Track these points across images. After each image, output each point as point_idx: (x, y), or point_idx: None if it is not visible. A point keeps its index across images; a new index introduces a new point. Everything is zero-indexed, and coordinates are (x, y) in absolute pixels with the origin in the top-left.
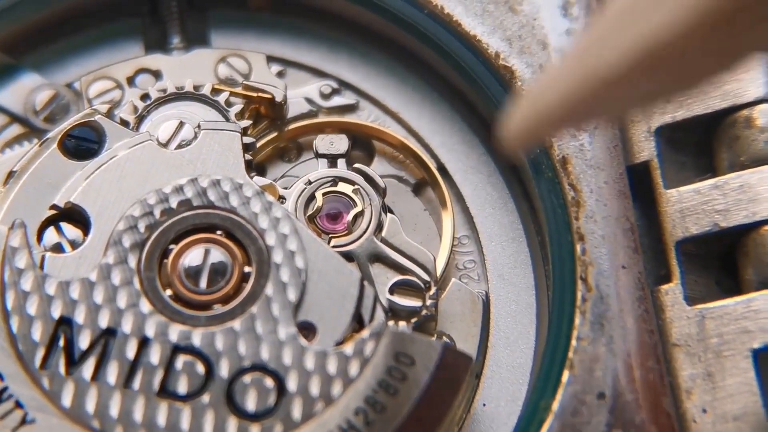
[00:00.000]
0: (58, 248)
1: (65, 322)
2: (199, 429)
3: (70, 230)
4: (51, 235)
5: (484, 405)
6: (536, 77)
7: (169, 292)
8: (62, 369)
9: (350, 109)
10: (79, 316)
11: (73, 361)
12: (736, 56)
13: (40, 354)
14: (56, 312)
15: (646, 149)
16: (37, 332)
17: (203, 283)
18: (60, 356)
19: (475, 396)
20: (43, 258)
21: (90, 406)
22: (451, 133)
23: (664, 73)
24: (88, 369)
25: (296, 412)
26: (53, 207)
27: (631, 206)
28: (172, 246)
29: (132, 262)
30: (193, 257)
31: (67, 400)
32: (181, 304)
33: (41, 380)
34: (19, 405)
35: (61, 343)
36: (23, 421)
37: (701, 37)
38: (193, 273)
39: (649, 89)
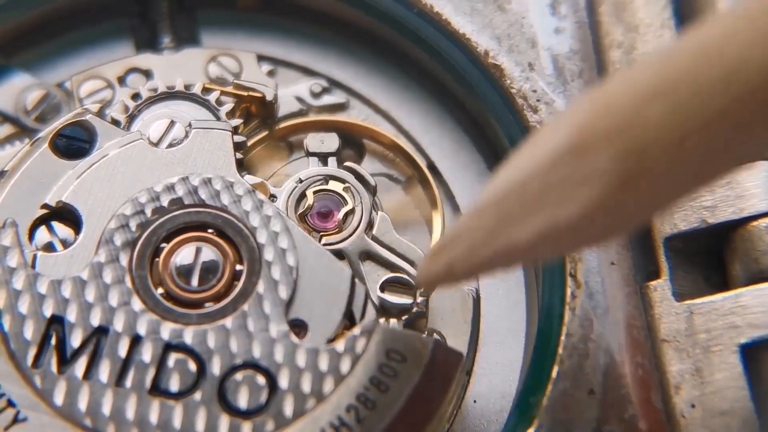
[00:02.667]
0: (49, 247)
1: (57, 321)
2: (191, 426)
3: (62, 229)
4: (42, 234)
5: (475, 401)
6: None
7: (160, 290)
8: (54, 367)
9: (340, 107)
10: (71, 315)
11: (65, 360)
12: (625, 229)
13: (32, 352)
14: (48, 310)
15: None
16: (29, 331)
17: (195, 282)
18: (52, 355)
19: (465, 392)
20: (34, 257)
21: (82, 404)
22: (441, 131)
23: (562, 244)
24: (80, 367)
25: (288, 409)
26: (44, 206)
27: None
28: (163, 244)
29: (123, 260)
30: (184, 256)
31: (59, 398)
32: (173, 303)
33: (33, 379)
34: (11, 404)
35: (53, 341)
36: (15, 420)
37: (591, 223)
38: (185, 271)
39: (551, 252)
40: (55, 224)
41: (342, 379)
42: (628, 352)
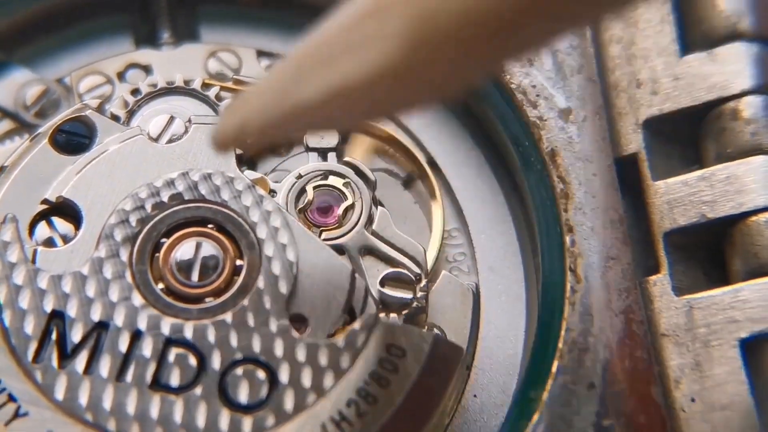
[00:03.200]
0: (49, 243)
1: (57, 316)
2: (191, 421)
3: (62, 225)
4: (42, 230)
5: (475, 396)
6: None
7: (161, 285)
8: (55, 362)
9: None
10: (72, 310)
11: (66, 355)
12: (419, 100)
13: (32, 347)
14: (48, 306)
15: (633, 142)
16: (30, 326)
17: (195, 277)
18: (53, 350)
19: (465, 387)
20: (35, 252)
21: (83, 399)
22: (441, 126)
23: (352, 107)
24: (80, 362)
25: (288, 403)
26: (44, 201)
27: (619, 198)
28: (163, 239)
29: (124, 255)
30: (184, 251)
31: (60, 393)
32: (173, 298)
33: (34, 374)
34: (11, 398)
35: (54, 336)
36: (16, 415)
37: (381, 87)
38: (185, 266)
39: (342, 116)
40: (55, 219)
41: (342, 374)
42: (628, 346)
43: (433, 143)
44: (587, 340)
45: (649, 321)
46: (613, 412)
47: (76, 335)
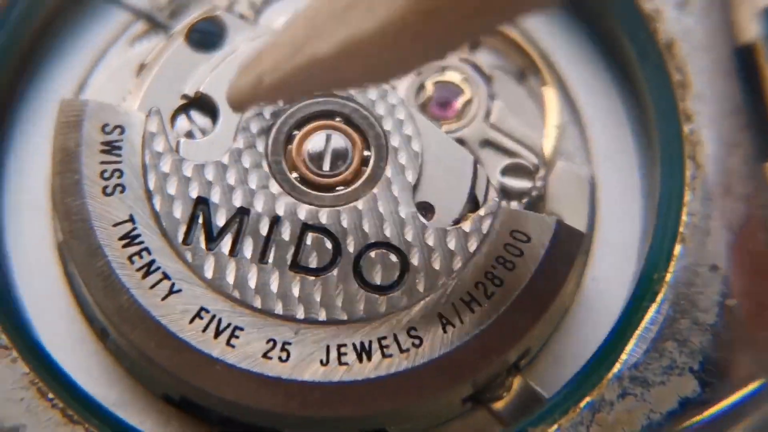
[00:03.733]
0: (189, 135)
1: (202, 202)
2: (330, 300)
3: (200, 118)
4: (182, 123)
5: (594, 280)
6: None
7: (295, 174)
8: (203, 244)
9: None
10: (215, 196)
11: (212, 238)
12: (428, 54)
13: (182, 230)
14: (194, 192)
15: (752, 30)
16: (178, 211)
17: (326, 166)
18: (200, 233)
19: (584, 273)
20: (177, 143)
21: (230, 278)
22: (554, 21)
23: (364, 61)
24: (225, 245)
25: (420, 285)
26: (184, 96)
27: (737, 86)
28: (295, 132)
29: (260, 146)
30: (315, 142)
31: (209, 272)
32: (307, 186)
33: (184, 254)
34: (166, 276)
35: (200, 220)
36: (170, 291)
37: (391, 38)
38: (317, 157)
39: (355, 71)
40: (193, 113)
41: (470, 258)
42: (751, 229)
43: (546, 38)
44: (708, 223)
45: None
46: (737, 292)
47: (220, 220)
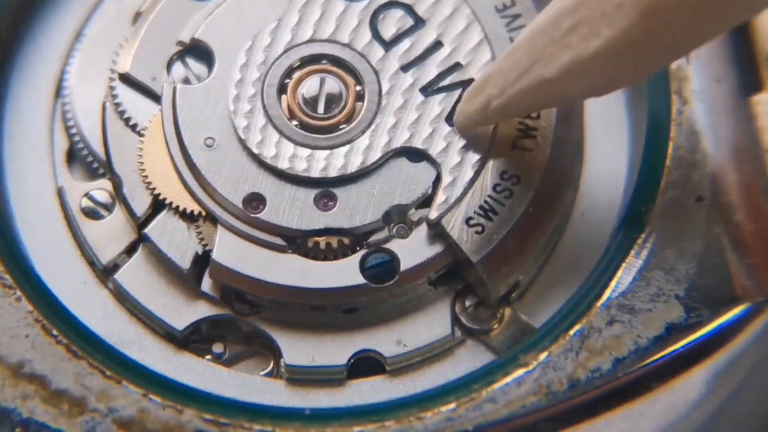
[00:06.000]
0: (186, 81)
1: None
2: None
3: (195, 65)
4: (179, 70)
5: (582, 215)
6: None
7: (294, 122)
8: None
9: None
10: None
11: None
12: (649, 67)
13: None
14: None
15: None
16: None
17: (321, 109)
18: None
19: (573, 206)
20: (174, 89)
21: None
22: None
23: (589, 79)
24: None
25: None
26: (179, 43)
27: None
28: (287, 81)
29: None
30: (309, 87)
31: None
32: (309, 131)
33: None
34: None
35: None
36: None
37: (618, 58)
38: (312, 101)
39: (580, 89)
40: (189, 60)
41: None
42: (735, 161)
43: None
44: (694, 156)
45: (754, 139)
46: (722, 221)
47: None
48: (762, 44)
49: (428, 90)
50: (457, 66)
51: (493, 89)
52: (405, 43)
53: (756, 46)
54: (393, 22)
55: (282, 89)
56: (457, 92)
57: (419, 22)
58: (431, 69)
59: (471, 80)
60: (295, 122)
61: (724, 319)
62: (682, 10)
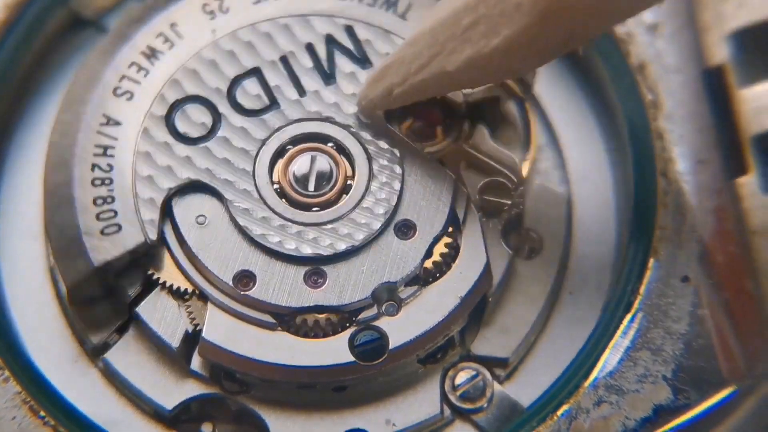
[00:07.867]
0: None
1: None
2: None
3: None
4: None
5: (571, 293)
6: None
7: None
8: None
9: None
10: None
11: None
12: (543, 59)
13: None
14: None
15: (720, 52)
16: None
17: (311, 187)
18: None
19: (561, 286)
20: None
21: None
22: None
23: (487, 70)
24: None
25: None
26: None
27: (707, 106)
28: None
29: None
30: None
31: None
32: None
33: None
34: None
35: None
36: None
37: (514, 52)
38: (302, 179)
39: (477, 78)
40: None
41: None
42: (720, 242)
43: None
44: (680, 237)
45: (740, 220)
46: (707, 302)
47: None
48: (746, 127)
49: None
50: None
51: (395, 77)
52: None
53: (740, 130)
54: None
55: (272, 166)
56: None
57: None
58: None
59: None
60: (284, 200)
61: (713, 401)
62: (577, 10)
